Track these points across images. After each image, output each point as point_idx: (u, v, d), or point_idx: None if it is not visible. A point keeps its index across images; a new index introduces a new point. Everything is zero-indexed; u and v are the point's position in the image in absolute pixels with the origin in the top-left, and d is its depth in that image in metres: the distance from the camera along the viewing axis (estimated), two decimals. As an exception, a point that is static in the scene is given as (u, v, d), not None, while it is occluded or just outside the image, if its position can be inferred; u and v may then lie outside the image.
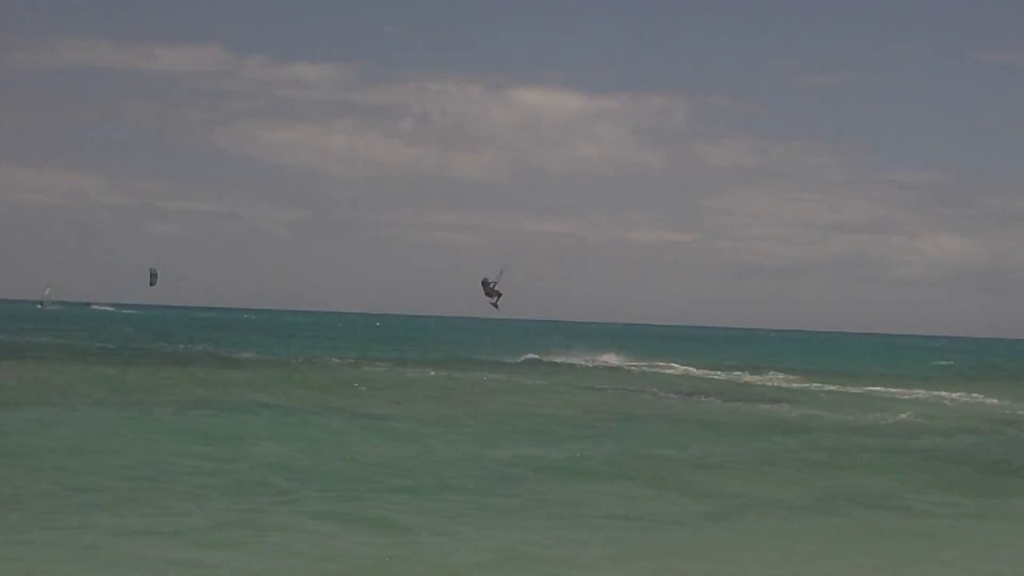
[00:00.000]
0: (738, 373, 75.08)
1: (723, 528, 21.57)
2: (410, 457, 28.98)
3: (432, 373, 61.66)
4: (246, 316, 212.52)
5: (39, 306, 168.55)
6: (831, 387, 63.06)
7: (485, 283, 44.69)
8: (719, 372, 75.18)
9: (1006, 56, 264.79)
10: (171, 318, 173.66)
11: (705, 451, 33.04)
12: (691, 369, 76.74)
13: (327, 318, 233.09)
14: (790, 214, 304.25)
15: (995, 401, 55.93)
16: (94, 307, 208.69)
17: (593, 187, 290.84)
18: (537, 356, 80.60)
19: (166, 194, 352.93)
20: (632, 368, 76.06)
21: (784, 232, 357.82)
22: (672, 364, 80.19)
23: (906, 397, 57.05)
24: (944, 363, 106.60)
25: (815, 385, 64.76)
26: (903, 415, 46.90)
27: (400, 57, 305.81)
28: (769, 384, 66.13)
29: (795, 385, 65.11)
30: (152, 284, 62.79)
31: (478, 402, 45.65)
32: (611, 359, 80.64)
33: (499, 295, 44.61)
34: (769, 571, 18.03)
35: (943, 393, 59.82)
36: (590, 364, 77.65)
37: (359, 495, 22.91)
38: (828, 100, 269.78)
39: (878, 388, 63.08)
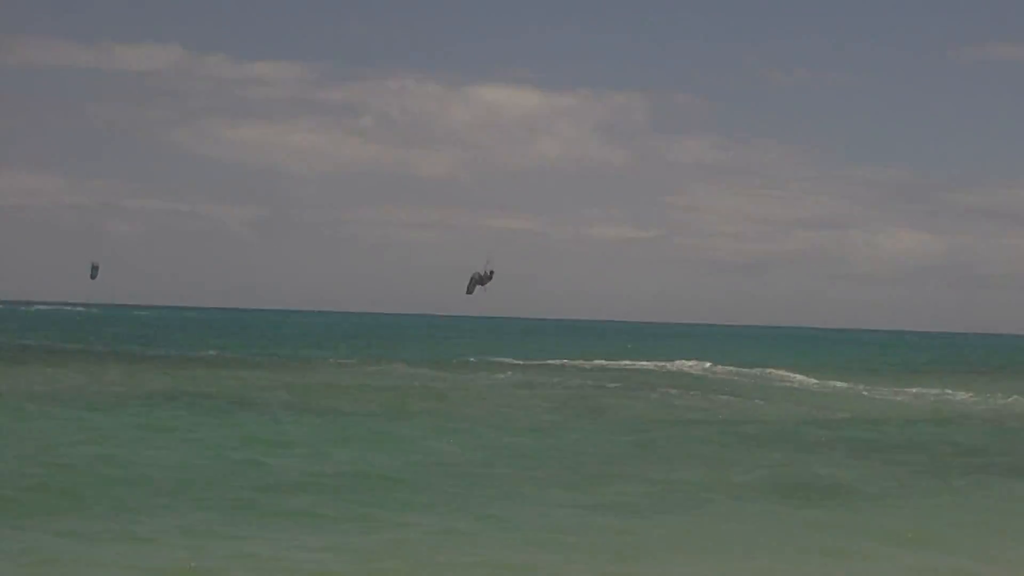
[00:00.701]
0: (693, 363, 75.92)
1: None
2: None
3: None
4: (190, 315, 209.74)
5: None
6: (791, 381, 63.70)
7: (475, 278, 42.95)
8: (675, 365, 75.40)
9: (966, 53, 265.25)
10: (162, 317, 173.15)
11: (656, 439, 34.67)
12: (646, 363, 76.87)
13: (292, 316, 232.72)
14: (752, 210, 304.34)
15: (963, 395, 56.20)
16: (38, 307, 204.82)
17: (554, 184, 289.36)
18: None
19: (126, 193, 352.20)
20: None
21: (746, 228, 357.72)
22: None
23: (865, 393, 56.95)
24: (910, 357, 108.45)
25: (774, 377, 65.73)
26: (859, 408, 47.49)
27: (360, 55, 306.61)
28: (731, 379, 66.10)
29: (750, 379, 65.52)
30: (93, 277, 61.40)
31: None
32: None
33: (490, 277, 42.75)
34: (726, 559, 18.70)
35: (913, 390, 59.41)
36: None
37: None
38: (789, 97, 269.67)
39: (839, 383, 62.87)
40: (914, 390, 58.57)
